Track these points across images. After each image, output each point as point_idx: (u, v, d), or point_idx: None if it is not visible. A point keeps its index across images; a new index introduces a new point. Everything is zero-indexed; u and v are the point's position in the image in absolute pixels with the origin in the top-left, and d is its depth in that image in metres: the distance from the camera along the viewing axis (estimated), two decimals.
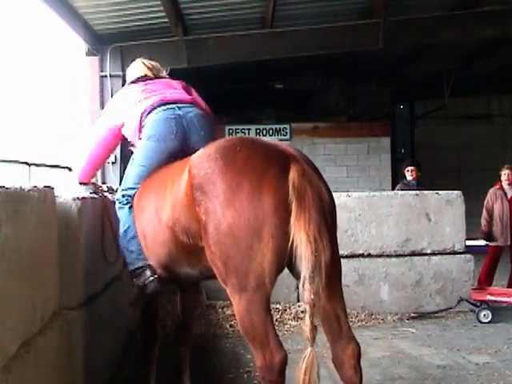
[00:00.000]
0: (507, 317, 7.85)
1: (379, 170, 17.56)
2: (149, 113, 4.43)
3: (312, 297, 2.96)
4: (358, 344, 3.33)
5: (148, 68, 5.03)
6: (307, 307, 2.99)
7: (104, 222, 4.82)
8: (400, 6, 11.22)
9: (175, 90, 4.73)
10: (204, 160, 3.39)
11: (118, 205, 4.40)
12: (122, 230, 4.30)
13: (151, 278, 4.11)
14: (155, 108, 4.43)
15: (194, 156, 3.58)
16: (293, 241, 3.01)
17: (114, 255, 4.96)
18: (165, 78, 5.07)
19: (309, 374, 3.00)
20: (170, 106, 4.44)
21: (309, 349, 3.03)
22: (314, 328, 3.02)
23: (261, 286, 3.09)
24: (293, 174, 3.09)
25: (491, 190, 9.93)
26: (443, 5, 11.58)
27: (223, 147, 3.41)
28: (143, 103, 4.51)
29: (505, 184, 9.88)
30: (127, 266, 4.33)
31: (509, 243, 9.68)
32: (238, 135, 15.98)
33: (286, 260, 3.12)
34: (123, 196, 4.37)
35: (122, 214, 4.32)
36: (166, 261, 3.97)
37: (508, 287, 8.87)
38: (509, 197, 9.80)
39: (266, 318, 3.12)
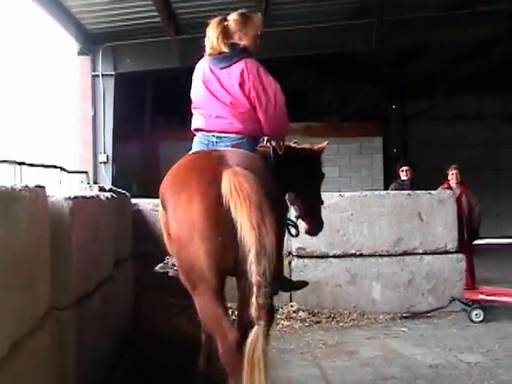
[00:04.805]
0: (499, 316, 7.87)
1: (371, 169, 17.60)
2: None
3: (258, 278, 3.21)
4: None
5: (211, 45, 4.57)
6: (254, 288, 3.22)
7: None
8: (393, 6, 11.24)
9: (223, 112, 4.44)
10: (164, 179, 3.90)
11: None
12: None
13: None
14: (198, 131, 4.55)
15: None
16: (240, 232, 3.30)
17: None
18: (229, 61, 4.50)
19: (253, 349, 3.18)
20: (208, 134, 4.46)
21: (255, 327, 3.22)
22: (259, 307, 3.21)
23: (205, 282, 3.42)
24: (225, 177, 3.40)
25: (439, 191, 9.81)
26: (436, 5, 11.61)
27: (174, 166, 3.93)
28: (194, 118, 4.61)
29: (453, 183, 9.97)
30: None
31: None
32: None
33: (230, 255, 3.41)
34: None
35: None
36: None
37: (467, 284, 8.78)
38: (457, 195, 9.81)
39: (216, 308, 3.43)
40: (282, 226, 3.81)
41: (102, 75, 12.07)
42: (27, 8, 10.39)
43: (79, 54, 12.00)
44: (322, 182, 5.49)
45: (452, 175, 10.08)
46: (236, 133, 4.40)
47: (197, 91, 4.58)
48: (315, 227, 5.49)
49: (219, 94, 4.44)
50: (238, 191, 3.32)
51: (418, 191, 8.61)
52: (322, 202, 5.53)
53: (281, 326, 7.40)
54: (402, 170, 10.31)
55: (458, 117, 19.26)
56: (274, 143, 4.82)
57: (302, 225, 5.41)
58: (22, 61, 12.59)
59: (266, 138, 4.81)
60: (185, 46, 11.71)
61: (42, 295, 3.46)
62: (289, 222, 5.01)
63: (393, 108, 19.21)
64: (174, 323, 6.84)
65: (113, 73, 12.13)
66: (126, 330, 6.31)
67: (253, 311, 3.22)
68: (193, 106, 4.63)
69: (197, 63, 4.70)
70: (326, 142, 5.40)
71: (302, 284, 4.97)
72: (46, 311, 3.55)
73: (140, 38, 11.88)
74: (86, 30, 11.49)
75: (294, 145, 5.34)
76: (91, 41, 11.77)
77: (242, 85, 4.41)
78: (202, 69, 4.59)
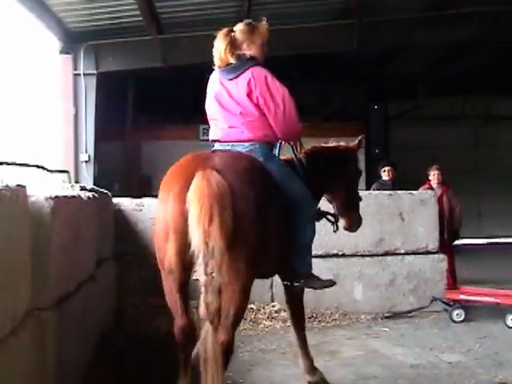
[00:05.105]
0: (480, 316, 7.91)
1: None
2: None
3: (205, 278, 3.42)
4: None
5: (219, 56, 4.71)
6: (202, 288, 3.45)
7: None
8: (375, 7, 11.28)
9: (234, 122, 4.64)
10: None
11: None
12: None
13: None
14: (215, 142, 4.78)
15: None
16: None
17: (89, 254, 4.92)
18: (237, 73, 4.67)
19: (205, 343, 3.52)
20: (224, 144, 4.66)
21: (206, 323, 3.53)
22: (207, 306, 3.45)
23: (172, 272, 3.72)
24: (193, 182, 3.53)
25: (420, 191, 9.82)
26: (418, 7, 11.66)
27: (170, 168, 4.05)
28: (211, 129, 4.85)
29: (434, 184, 10.01)
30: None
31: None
32: None
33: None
34: None
35: None
36: None
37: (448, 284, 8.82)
38: (438, 195, 9.85)
39: (176, 294, 3.76)
40: (265, 228, 3.84)
41: (84, 74, 12.02)
42: (9, 5, 10.32)
43: (61, 52, 11.93)
44: (359, 179, 5.58)
45: (433, 175, 10.12)
46: (248, 141, 4.58)
47: (209, 104, 4.79)
48: (353, 224, 5.54)
49: (229, 105, 4.64)
50: (195, 194, 3.45)
51: (399, 191, 8.64)
52: (360, 199, 5.58)
53: (262, 326, 7.40)
54: (384, 170, 10.34)
55: (440, 118, 19.35)
56: (291, 143, 5.04)
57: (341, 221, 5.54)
58: (2, 59, 12.49)
59: (282, 142, 4.92)
60: (167, 46, 11.69)
61: (22, 295, 3.44)
62: (319, 213, 5.23)
63: (375, 108, 19.27)
64: (155, 323, 6.82)
65: (94, 72, 12.08)
66: (107, 330, 6.29)
67: (201, 310, 3.47)
68: (208, 117, 4.84)
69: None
70: (360, 137, 5.51)
71: (331, 283, 4.93)
72: (26, 311, 3.53)
73: (122, 37, 11.83)
74: (68, 29, 11.43)
75: (332, 144, 5.48)
76: (73, 39, 11.71)
77: (249, 94, 4.57)
78: (213, 82, 4.79)
